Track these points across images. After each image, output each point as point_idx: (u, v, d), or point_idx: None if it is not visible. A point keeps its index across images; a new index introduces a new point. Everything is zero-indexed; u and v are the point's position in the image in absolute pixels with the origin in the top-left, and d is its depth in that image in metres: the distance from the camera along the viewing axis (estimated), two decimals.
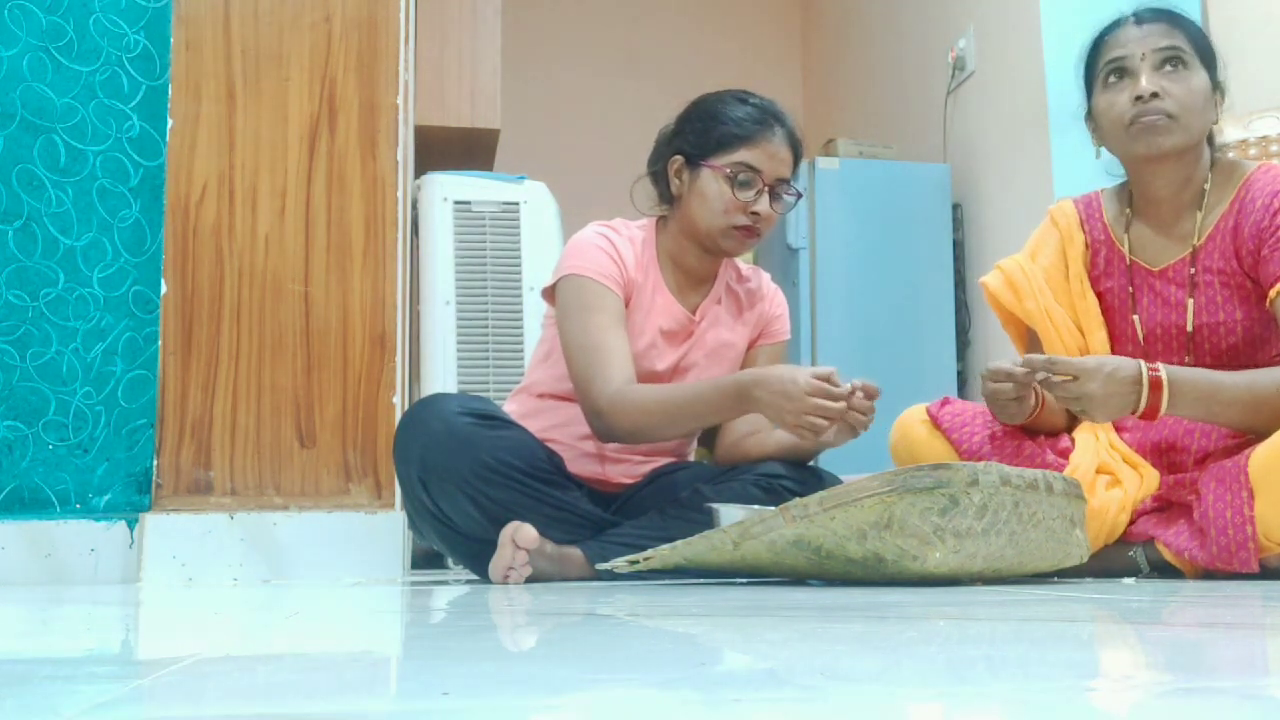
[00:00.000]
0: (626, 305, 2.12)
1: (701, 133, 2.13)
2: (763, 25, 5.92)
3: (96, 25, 2.52)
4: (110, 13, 2.53)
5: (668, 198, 2.20)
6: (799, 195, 2.18)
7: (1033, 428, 2.04)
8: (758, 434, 2.18)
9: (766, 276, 2.35)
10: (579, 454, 2.13)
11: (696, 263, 2.20)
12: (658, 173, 2.21)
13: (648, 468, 2.19)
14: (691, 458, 2.30)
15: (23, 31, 2.49)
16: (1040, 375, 1.84)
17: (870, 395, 1.88)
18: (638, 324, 2.14)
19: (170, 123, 2.45)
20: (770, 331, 2.29)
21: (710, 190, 2.10)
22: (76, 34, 2.51)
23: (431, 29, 3.39)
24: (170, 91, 2.47)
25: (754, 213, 2.09)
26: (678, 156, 2.16)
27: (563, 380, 2.14)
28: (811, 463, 2.16)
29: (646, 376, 2.10)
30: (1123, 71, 1.98)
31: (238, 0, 2.50)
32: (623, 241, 2.16)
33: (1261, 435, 1.82)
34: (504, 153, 3.79)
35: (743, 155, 2.09)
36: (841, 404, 1.84)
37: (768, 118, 2.12)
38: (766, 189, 2.09)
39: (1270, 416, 1.82)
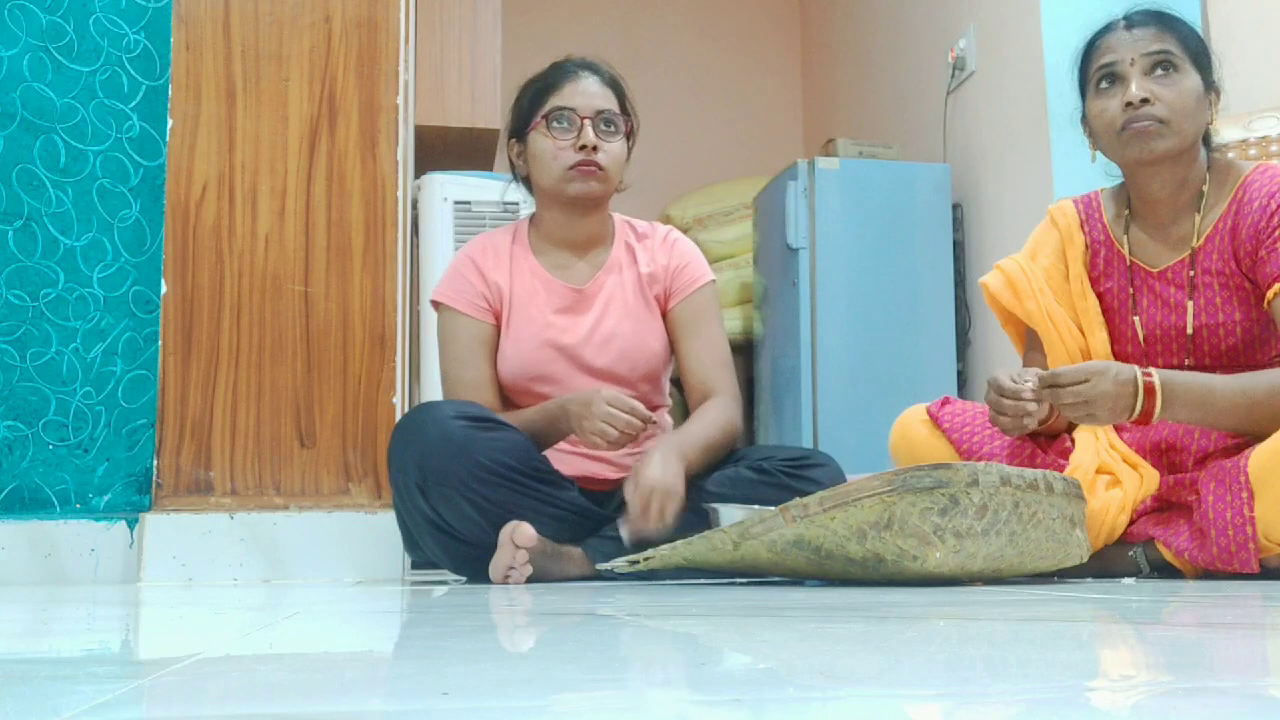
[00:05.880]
0: (501, 304, 2.20)
1: (517, 108, 2.23)
2: (762, 25, 5.91)
3: (96, 25, 2.52)
4: (110, 13, 2.53)
5: (527, 185, 2.27)
6: (630, 123, 2.21)
7: (1034, 431, 2.04)
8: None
9: (665, 229, 2.33)
10: (559, 453, 2.14)
11: (570, 230, 2.23)
12: (514, 169, 2.29)
13: (633, 461, 2.19)
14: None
15: (23, 31, 2.49)
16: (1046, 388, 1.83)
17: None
18: (521, 311, 2.19)
19: (170, 123, 2.45)
20: (680, 285, 2.24)
21: (538, 147, 2.18)
22: (76, 34, 2.51)
23: (431, 29, 3.39)
24: (170, 91, 2.47)
25: (583, 147, 2.13)
26: (512, 140, 2.24)
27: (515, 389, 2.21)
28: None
29: (560, 349, 2.17)
30: (1113, 77, 1.98)
31: (237, 0, 2.50)
32: (484, 251, 2.24)
33: (1258, 437, 1.82)
34: (504, 153, 3.79)
35: (552, 102, 2.16)
36: (628, 417, 1.94)
37: (569, 65, 2.20)
38: (585, 121, 2.14)
39: (1265, 420, 1.82)
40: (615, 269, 2.24)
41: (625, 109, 2.21)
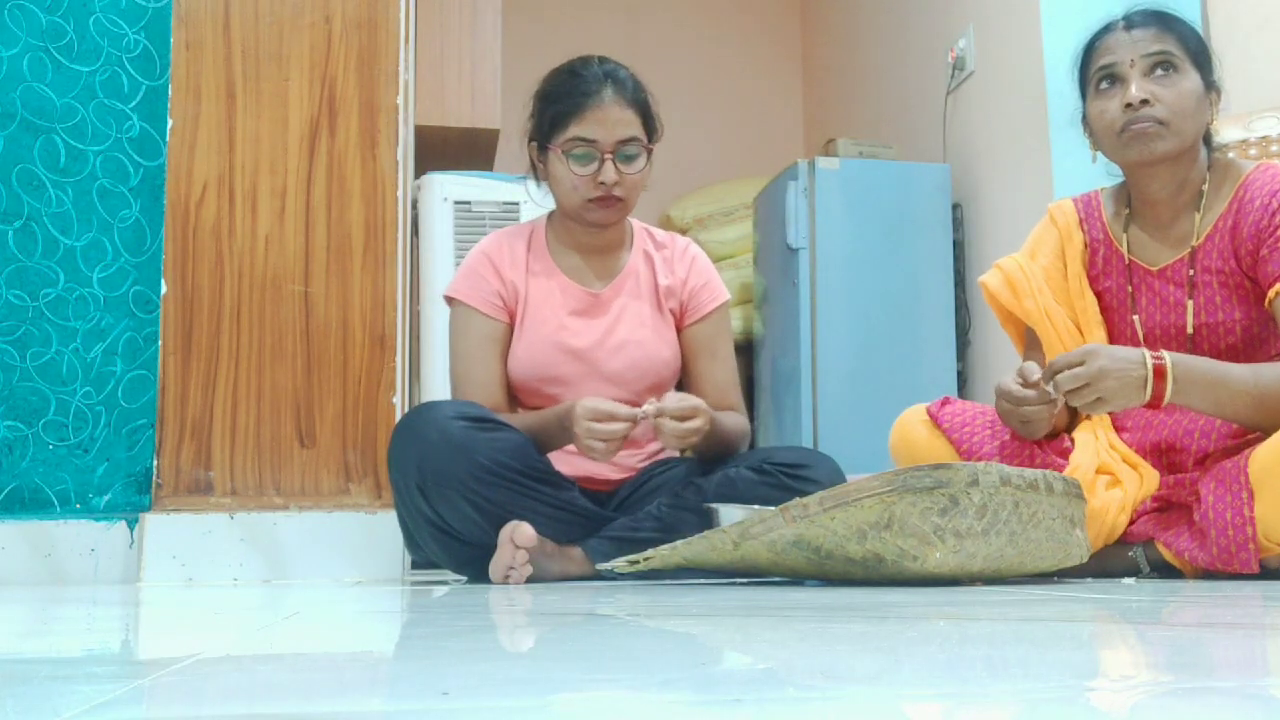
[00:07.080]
0: (515, 304, 2.18)
1: (540, 116, 2.16)
2: (762, 26, 5.92)
3: (96, 25, 2.52)
4: (110, 13, 2.53)
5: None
6: (649, 151, 2.15)
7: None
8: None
9: (684, 242, 2.31)
10: (560, 452, 2.14)
11: (587, 238, 2.22)
12: (535, 170, 2.24)
13: (633, 461, 2.20)
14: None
15: (23, 31, 2.49)
16: (1048, 382, 1.84)
17: (678, 416, 1.96)
18: (536, 312, 2.18)
19: (170, 123, 2.46)
20: (697, 306, 2.24)
21: (557, 171, 2.14)
22: (76, 34, 2.51)
23: (431, 29, 3.39)
24: (170, 91, 2.47)
25: (602, 183, 2.09)
26: (532, 143, 2.19)
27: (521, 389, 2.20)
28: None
29: (571, 352, 2.15)
30: (1113, 78, 1.98)
31: (238, 0, 2.50)
32: (500, 249, 2.21)
33: (1266, 431, 1.81)
34: (504, 153, 3.79)
35: (574, 130, 2.10)
36: (617, 426, 1.93)
37: (593, 84, 2.10)
38: (607, 157, 2.09)
39: (1275, 412, 1.81)
40: (632, 276, 2.23)
41: (649, 124, 2.15)
